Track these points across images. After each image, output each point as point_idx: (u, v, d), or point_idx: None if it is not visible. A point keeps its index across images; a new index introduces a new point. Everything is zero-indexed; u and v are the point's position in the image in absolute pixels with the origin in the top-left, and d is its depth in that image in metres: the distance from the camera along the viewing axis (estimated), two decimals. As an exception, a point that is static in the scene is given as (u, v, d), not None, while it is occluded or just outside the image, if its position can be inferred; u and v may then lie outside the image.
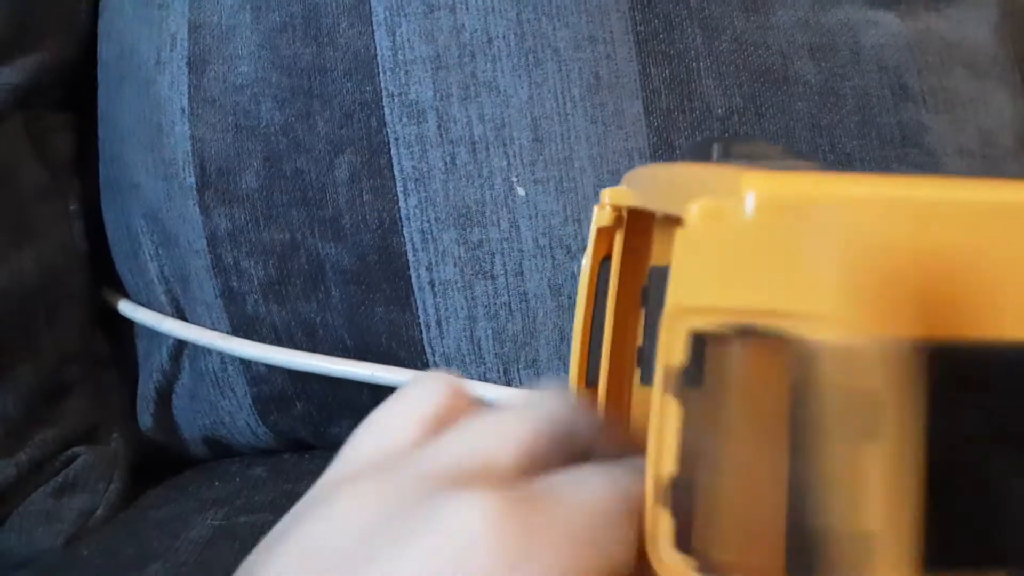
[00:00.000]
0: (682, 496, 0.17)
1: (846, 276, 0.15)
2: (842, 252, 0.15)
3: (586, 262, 0.29)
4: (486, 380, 0.48)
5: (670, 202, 0.22)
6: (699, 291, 0.17)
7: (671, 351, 0.17)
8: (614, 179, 0.47)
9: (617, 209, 0.28)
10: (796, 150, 0.48)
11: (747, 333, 0.16)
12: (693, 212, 0.17)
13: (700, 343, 0.17)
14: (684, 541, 0.17)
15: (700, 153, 0.23)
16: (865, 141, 0.49)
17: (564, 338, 0.48)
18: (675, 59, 0.48)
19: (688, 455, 0.17)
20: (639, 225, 0.28)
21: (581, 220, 0.47)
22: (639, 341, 0.29)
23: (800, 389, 0.15)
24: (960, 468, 0.16)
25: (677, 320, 0.17)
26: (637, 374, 0.29)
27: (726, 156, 0.22)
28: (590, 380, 0.29)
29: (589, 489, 0.20)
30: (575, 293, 0.30)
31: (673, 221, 0.19)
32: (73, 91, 0.57)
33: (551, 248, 0.47)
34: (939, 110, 0.51)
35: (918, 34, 0.52)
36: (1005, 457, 0.16)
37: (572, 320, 0.30)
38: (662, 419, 0.17)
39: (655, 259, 0.28)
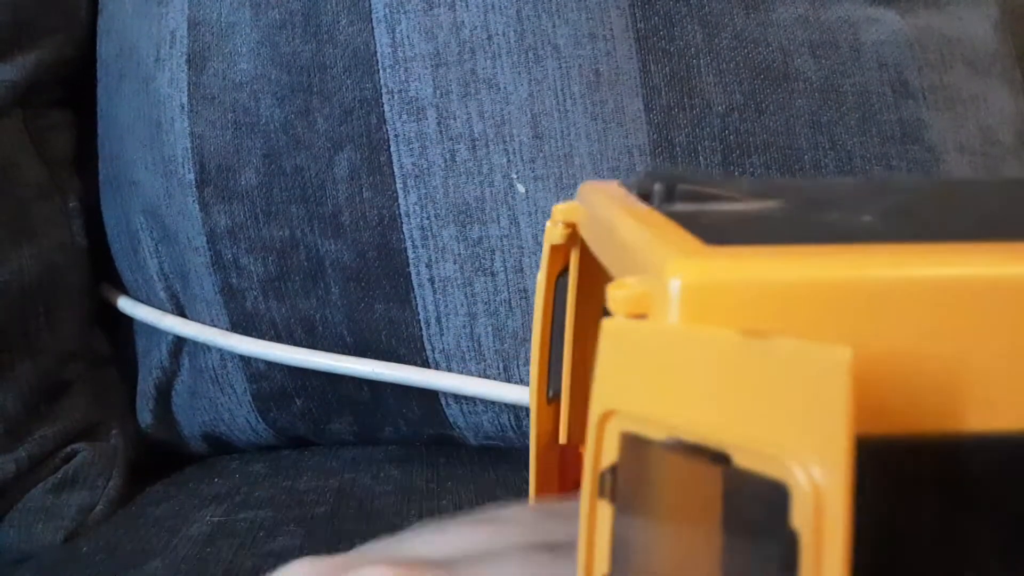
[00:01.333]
0: None
1: (777, 400, 0.13)
2: (779, 365, 0.13)
3: (541, 277, 0.28)
4: (486, 377, 0.48)
5: (604, 255, 0.20)
6: (628, 395, 0.15)
7: (601, 453, 0.16)
8: (614, 176, 0.47)
9: (571, 226, 0.26)
10: (795, 147, 0.48)
11: (679, 448, 0.14)
12: (616, 300, 0.15)
13: (633, 443, 0.15)
14: None
15: (644, 189, 0.21)
16: (865, 138, 0.49)
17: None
18: (675, 56, 0.48)
19: (621, 553, 0.16)
20: None
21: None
22: None
23: (727, 510, 0.14)
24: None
25: (607, 422, 0.16)
26: None
27: (668, 198, 0.20)
28: (552, 396, 0.28)
29: None
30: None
31: None
32: (72, 88, 0.57)
33: (551, 245, 0.47)
34: (939, 107, 0.51)
35: (918, 31, 0.52)
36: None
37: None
38: (593, 520, 0.16)
39: None
